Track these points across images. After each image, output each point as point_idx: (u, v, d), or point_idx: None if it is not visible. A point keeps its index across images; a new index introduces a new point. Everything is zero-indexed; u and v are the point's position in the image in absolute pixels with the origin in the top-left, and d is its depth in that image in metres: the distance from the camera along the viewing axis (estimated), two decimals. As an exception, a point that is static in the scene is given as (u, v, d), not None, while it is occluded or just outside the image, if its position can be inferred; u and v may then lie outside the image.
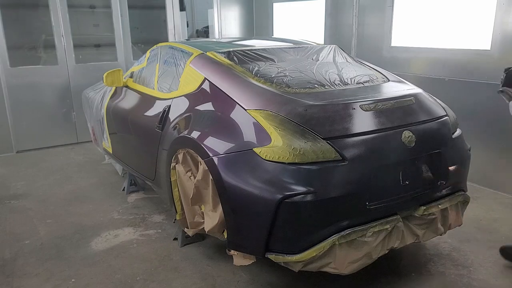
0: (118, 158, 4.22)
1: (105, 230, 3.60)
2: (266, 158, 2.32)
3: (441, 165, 2.70)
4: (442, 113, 2.87)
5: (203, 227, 2.82)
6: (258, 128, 2.45)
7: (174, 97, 3.20)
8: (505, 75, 3.20)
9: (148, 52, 3.95)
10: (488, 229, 3.51)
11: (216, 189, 2.51)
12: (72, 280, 2.91)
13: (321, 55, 3.38)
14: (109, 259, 3.15)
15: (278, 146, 2.31)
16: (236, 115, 2.61)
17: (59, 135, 6.16)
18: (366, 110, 2.52)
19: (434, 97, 3.06)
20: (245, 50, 3.21)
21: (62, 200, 4.25)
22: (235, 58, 3.08)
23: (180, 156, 2.85)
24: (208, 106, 2.86)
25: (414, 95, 2.81)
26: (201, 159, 2.61)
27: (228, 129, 2.60)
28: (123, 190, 4.41)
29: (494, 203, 4.01)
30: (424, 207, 2.61)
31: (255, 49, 3.25)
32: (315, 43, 3.78)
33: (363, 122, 2.48)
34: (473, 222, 3.60)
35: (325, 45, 3.61)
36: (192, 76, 3.10)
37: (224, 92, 2.78)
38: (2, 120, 5.68)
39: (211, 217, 2.68)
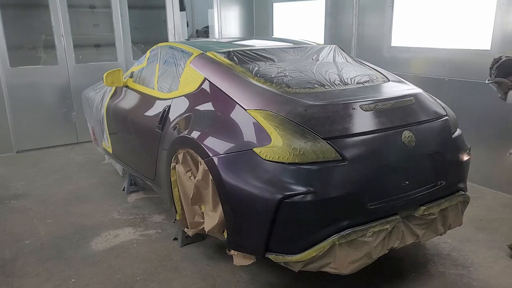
0: (118, 158, 4.22)
1: (105, 230, 3.60)
2: (266, 158, 2.32)
3: (441, 165, 2.70)
4: (442, 113, 2.87)
5: (203, 227, 2.82)
6: (258, 128, 2.45)
7: (174, 97, 3.20)
8: (496, 66, 3.16)
9: (148, 52, 3.95)
10: (488, 229, 3.51)
11: (216, 189, 2.51)
12: (72, 280, 2.91)
13: (321, 55, 3.38)
14: (109, 259, 3.15)
15: (278, 146, 2.31)
16: (236, 115, 2.61)
17: (59, 135, 6.16)
18: (366, 110, 2.52)
19: (434, 97, 3.06)
20: (245, 50, 3.21)
21: (62, 200, 4.25)
22: (235, 58, 3.08)
23: (180, 156, 2.85)
24: (208, 106, 2.86)
25: (414, 95, 2.81)
26: (201, 159, 2.61)
27: (228, 129, 2.60)
28: (123, 190, 4.41)
29: (494, 203, 4.01)
30: (424, 207, 2.61)
31: (255, 49, 3.25)
32: (315, 43, 3.78)
33: (363, 122, 2.48)
34: (473, 222, 3.60)
35: (325, 45, 3.61)
36: (192, 76, 3.10)
37: (224, 92, 2.78)
38: (2, 120, 5.68)
39: (211, 217, 2.68)
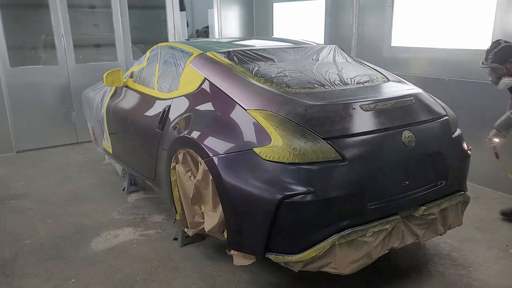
0: (118, 158, 4.22)
1: (105, 230, 3.60)
2: (266, 158, 2.32)
3: (441, 165, 2.70)
4: (442, 113, 2.87)
5: (203, 227, 2.82)
6: (258, 128, 2.45)
7: (174, 97, 3.20)
8: (495, 51, 3.17)
9: (148, 52, 3.95)
10: (488, 229, 3.51)
11: (216, 189, 2.51)
12: (72, 280, 2.91)
13: (321, 55, 3.38)
14: (109, 259, 3.15)
15: (278, 146, 2.31)
16: (236, 115, 2.61)
17: (59, 135, 6.16)
18: (366, 110, 2.52)
19: (434, 97, 3.06)
20: (245, 50, 3.21)
21: (62, 200, 4.25)
22: (235, 58, 3.08)
23: (180, 156, 2.85)
24: (208, 106, 2.86)
25: (414, 95, 2.81)
26: (201, 159, 2.61)
27: (228, 129, 2.60)
28: (123, 190, 4.41)
29: (494, 203, 4.01)
30: (424, 207, 2.61)
31: (255, 49, 3.25)
32: (315, 43, 3.78)
33: (363, 122, 2.48)
34: (473, 222, 3.60)
35: (325, 45, 3.61)
36: (192, 76, 3.10)
37: (224, 92, 2.78)
38: (2, 120, 5.68)
39: (211, 217, 2.68)
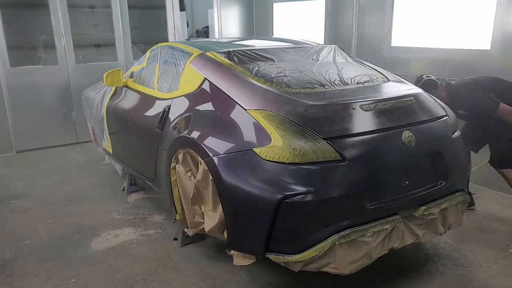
0: (118, 158, 4.22)
1: (105, 230, 3.60)
2: (266, 158, 2.32)
3: (441, 165, 2.70)
4: (442, 113, 2.87)
5: (203, 227, 2.82)
6: (258, 128, 2.45)
7: (174, 97, 3.20)
8: (419, 85, 3.49)
9: (148, 52, 3.94)
10: (488, 229, 3.51)
11: (216, 189, 2.51)
12: (72, 280, 2.91)
13: (321, 55, 3.38)
14: (109, 259, 3.15)
15: (278, 146, 2.31)
16: (236, 115, 2.61)
17: (59, 135, 6.16)
18: (366, 110, 2.51)
19: (434, 97, 3.06)
20: (245, 50, 3.20)
21: (62, 200, 4.25)
22: (235, 58, 3.08)
23: (180, 156, 2.85)
24: (208, 106, 2.86)
25: (414, 95, 2.81)
26: (201, 159, 2.61)
27: (228, 129, 2.60)
28: (123, 190, 4.41)
29: (494, 203, 4.01)
30: (424, 207, 2.61)
31: (255, 49, 3.25)
32: (315, 43, 3.78)
33: (363, 122, 2.48)
34: (473, 222, 3.60)
35: (325, 45, 3.60)
36: (192, 76, 3.10)
37: (224, 92, 2.78)
38: (2, 120, 5.68)
39: (211, 217, 2.68)
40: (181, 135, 2.85)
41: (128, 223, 3.72)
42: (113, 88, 4.19)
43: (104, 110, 4.23)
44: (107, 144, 4.36)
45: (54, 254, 3.24)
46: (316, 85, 2.81)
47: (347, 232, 2.31)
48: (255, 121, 2.47)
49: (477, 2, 4.28)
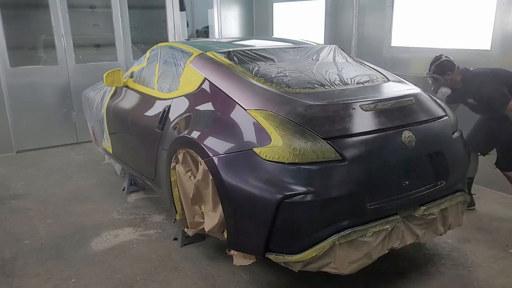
0: (118, 158, 4.22)
1: (105, 230, 3.60)
2: (266, 158, 2.32)
3: (441, 165, 2.70)
4: (442, 113, 2.87)
5: (203, 227, 2.82)
6: (258, 128, 2.45)
7: (174, 97, 3.20)
8: (436, 64, 3.54)
9: (148, 52, 3.94)
10: (488, 229, 3.51)
11: (216, 189, 2.51)
12: (72, 280, 2.91)
13: (321, 55, 3.38)
14: (109, 259, 3.15)
15: (278, 146, 2.31)
16: (236, 115, 2.61)
17: (59, 135, 6.16)
18: (366, 110, 2.51)
19: (434, 97, 3.06)
20: (245, 50, 3.20)
21: (62, 200, 4.25)
22: (235, 58, 3.08)
23: (180, 156, 2.85)
24: (208, 106, 2.86)
25: (414, 95, 2.81)
26: (201, 159, 2.61)
27: (228, 129, 2.60)
28: (123, 190, 4.41)
29: (494, 203, 4.01)
30: (424, 207, 2.61)
31: (255, 49, 3.25)
32: (315, 43, 3.78)
33: (363, 122, 2.48)
34: (473, 222, 3.60)
35: (325, 45, 3.60)
36: (192, 76, 3.10)
37: (224, 92, 2.78)
38: (2, 120, 5.68)
39: (211, 217, 2.68)
40: (181, 135, 2.85)
41: (128, 223, 3.72)
42: (113, 88, 4.19)
43: (104, 110, 4.23)
44: (107, 144, 4.36)
45: (54, 254, 3.24)
46: (316, 85, 2.81)
47: (347, 232, 2.31)
48: (255, 121, 2.47)
49: (477, 2, 4.28)
